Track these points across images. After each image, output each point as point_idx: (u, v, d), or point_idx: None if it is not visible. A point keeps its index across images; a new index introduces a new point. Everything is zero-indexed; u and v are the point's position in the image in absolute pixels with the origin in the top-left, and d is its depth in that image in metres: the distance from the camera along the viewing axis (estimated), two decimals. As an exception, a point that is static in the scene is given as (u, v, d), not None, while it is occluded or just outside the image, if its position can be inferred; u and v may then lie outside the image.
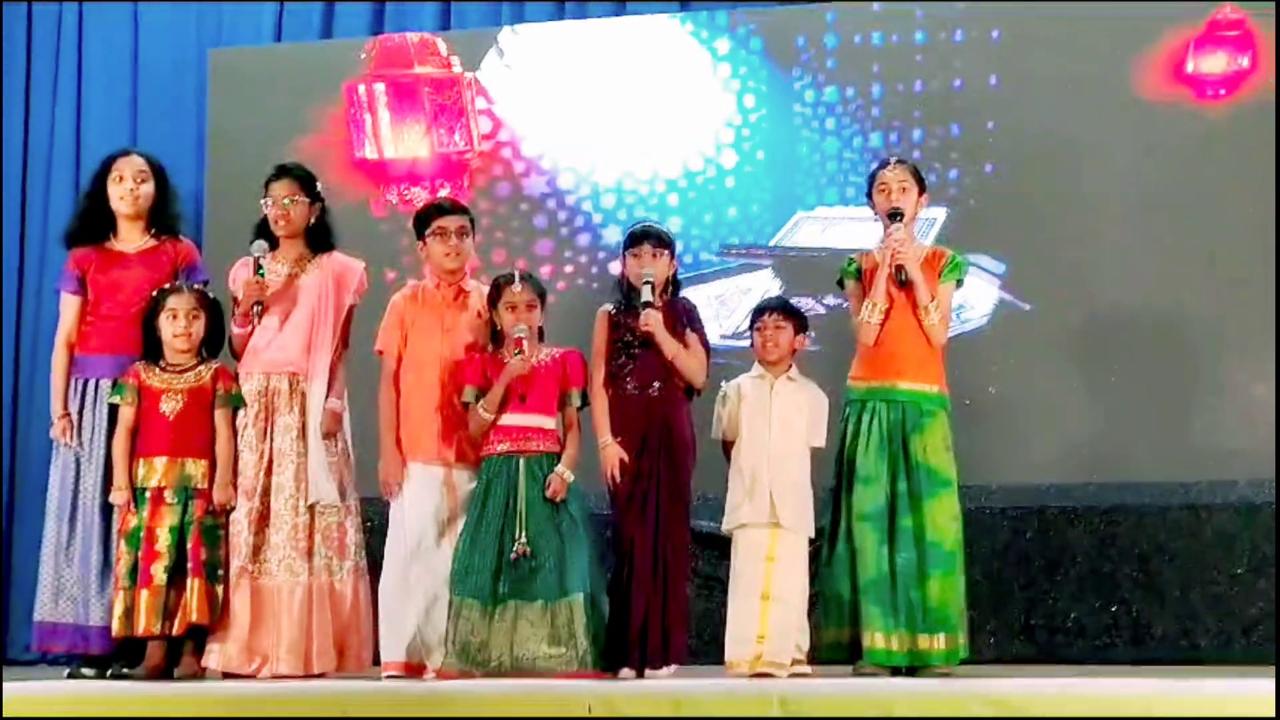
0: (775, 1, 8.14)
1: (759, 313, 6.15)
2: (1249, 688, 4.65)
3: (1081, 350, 7.49)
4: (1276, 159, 7.31)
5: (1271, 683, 4.58)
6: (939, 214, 7.57)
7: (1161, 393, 7.39)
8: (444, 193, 8.03)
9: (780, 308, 6.15)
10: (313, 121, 8.27)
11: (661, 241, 6.13)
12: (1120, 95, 7.53)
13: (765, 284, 7.81)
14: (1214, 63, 7.50)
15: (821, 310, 7.42)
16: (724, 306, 7.82)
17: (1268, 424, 7.18)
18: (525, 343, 5.92)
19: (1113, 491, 7.42)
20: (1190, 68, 7.52)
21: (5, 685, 5.08)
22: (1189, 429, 7.35)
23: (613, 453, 5.97)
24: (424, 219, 6.24)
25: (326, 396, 6.12)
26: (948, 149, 7.73)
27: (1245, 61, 7.46)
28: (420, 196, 8.03)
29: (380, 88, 8.27)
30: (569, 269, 8.07)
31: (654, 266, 6.06)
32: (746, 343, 6.22)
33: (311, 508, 6.07)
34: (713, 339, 6.44)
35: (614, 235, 7.82)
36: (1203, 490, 7.34)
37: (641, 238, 6.13)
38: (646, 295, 6.00)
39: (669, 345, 6.01)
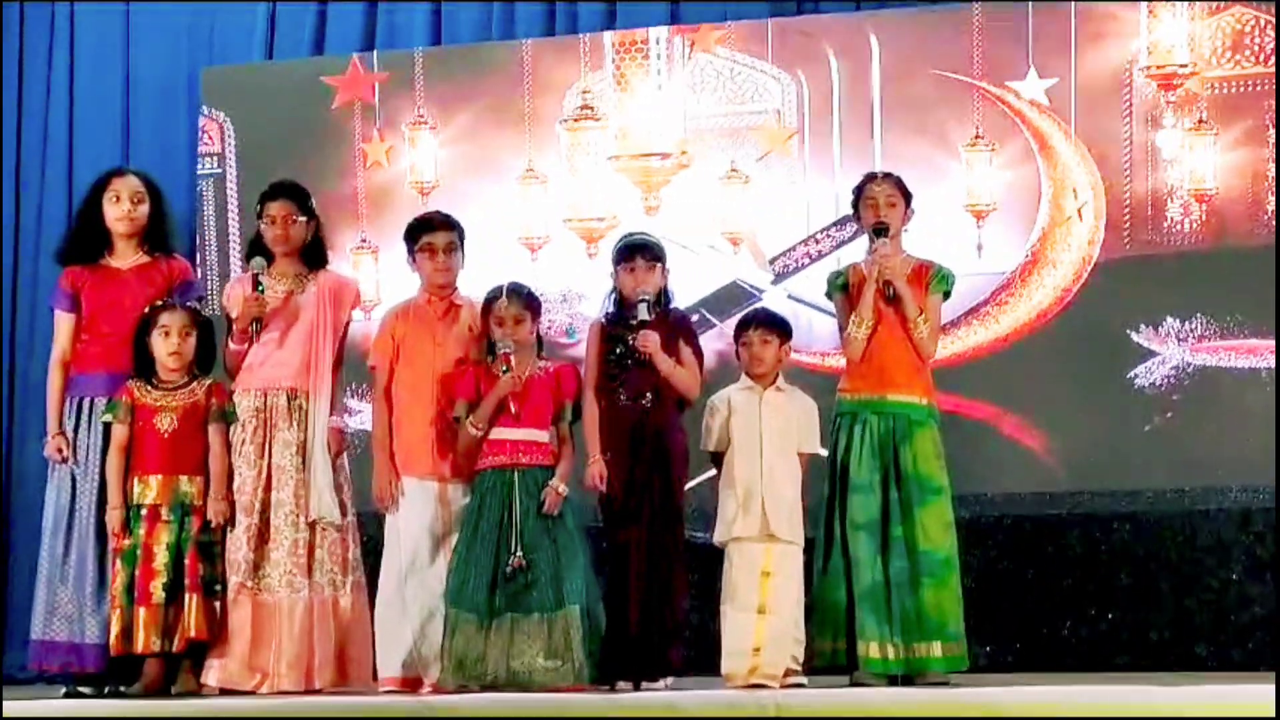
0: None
1: (743, 327, 6.11)
2: (1247, 693, 4.67)
3: (1076, 358, 7.50)
4: (1276, 159, 7.32)
5: (1271, 688, 4.59)
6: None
7: (1155, 399, 7.41)
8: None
9: (765, 322, 6.11)
10: (307, 136, 8.27)
11: (654, 254, 6.10)
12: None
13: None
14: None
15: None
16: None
17: (1260, 429, 7.19)
18: (513, 359, 5.91)
19: (1107, 499, 7.43)
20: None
21: (4, 704, 5.09)
22: (1183, 435, 7.37)
23: (596, 470, 5.96)
24: (413, 234, 6.23)
25: (330, 414, 6.14)
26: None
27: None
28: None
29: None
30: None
31: (648, 280, 6.04)
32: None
33: (313, 524, 6.06)
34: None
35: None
36: (1197, 496, 7.35)
37: (634, 251, 6.11)
38: (643, 314, 5.97)
39: (664, 364, 5.98)
